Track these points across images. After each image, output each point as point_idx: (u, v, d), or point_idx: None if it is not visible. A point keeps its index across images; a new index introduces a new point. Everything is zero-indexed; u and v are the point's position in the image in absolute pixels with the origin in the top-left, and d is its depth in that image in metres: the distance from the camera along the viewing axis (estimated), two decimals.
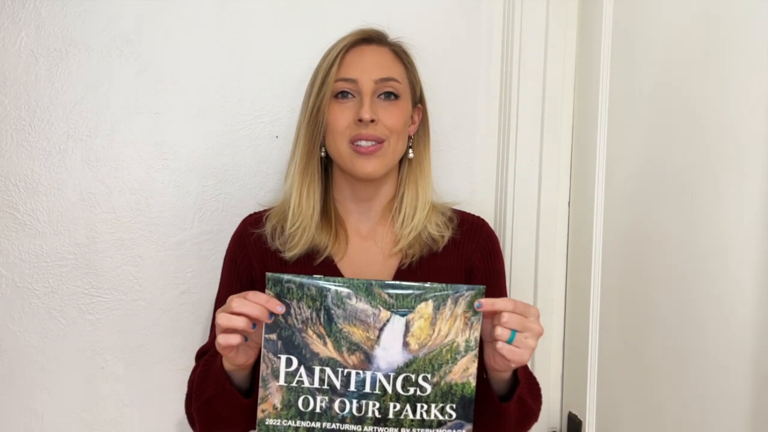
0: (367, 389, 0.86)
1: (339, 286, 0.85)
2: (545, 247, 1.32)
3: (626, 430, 1.11)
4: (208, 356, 0.98)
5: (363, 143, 1.01)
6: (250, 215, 1.13)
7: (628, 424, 1.10)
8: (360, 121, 1.00)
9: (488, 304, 0.84)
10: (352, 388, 0.86)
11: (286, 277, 0.85)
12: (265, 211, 1.12)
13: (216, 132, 1.29)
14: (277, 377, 0.86)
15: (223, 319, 0.85)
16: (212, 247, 1.28)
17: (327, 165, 1.10)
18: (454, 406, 0.86)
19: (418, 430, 0.86)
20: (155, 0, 1.25)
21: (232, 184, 1.29)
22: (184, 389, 1.06)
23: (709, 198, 0.90)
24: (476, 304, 0.84)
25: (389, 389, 0.86)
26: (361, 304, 0.85)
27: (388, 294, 0.85)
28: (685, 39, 0.97)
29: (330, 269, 1.05)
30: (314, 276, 0.85)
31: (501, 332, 0.84)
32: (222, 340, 0.85)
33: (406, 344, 0.85)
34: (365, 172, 1.02)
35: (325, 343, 0.85)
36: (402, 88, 1.05)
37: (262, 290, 1.03)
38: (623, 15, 1.14)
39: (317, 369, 0.86)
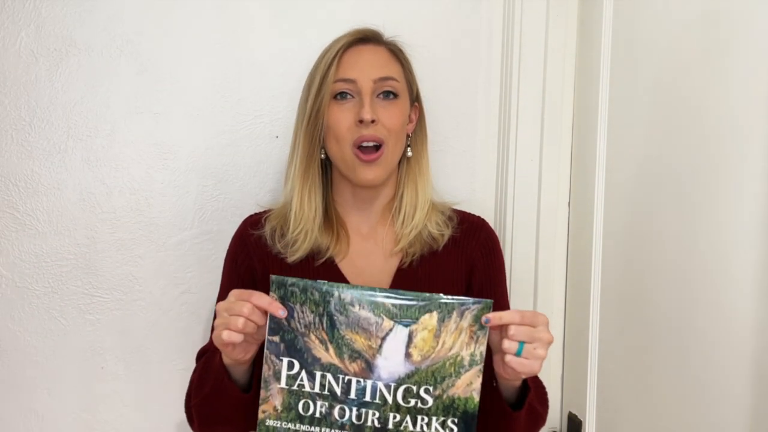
0: (368, 398, 0.85)
1: (343, 292, 0.84)
2: (545, 247, 1.32)
3: (626, 430, 1.11)
4: (208, 354, 0.98)
5: (365, 144, 1.01)
6: (250, 216, 1.13)
7: (628, 424, 1.10)
8: (361, 122, 1.00)
9: (495, 318, 0.83)
10: (353, 395, 0.85)
11: (290, 280, 0.85)
12: (264, 212, 1.12)
13: (216, 132, 1.28)
14: (278, 379, 0.86)
15: (224, 318, 0.85)
16: (212, 247, 1.28)
17: (326, 165, 1.10)
18: (455, 420, 0.85)
19: None
20: (155, 0, 1.25)
21: (232, 184, 1.29)
22: (184, 389, 1.07)
23: (709, 198, 0.90)
24: (483, 319, 0.83)
25: (389, 399, 0.85)
26: (364, 312, 0.84)
27: (392, 303, 0.84)
28: (685, 39, 0.97)
29: (331, 270, 1.05)
30: (318, 281, 0.85)
31: (509, 345, 0.84)
32: (224, 337, 0.85)
33: (408, 355, 0.84)
34: (367, 179, 1.02)
35: (326, 349, 0.85)
36: (400, 87, 1.05)
37: (264, 290, 1.03)
38: (623, 15, 1.14)
39: (318, 374, 0.85)
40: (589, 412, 1.21)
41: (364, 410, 0.85)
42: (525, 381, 0.93)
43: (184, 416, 1.07)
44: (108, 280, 1.27)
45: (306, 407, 0.86)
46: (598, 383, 1.20)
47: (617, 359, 1.14)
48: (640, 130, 1.08)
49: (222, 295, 1.10)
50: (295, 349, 0.85)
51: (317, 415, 0.86)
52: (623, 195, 1.13)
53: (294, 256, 1.04)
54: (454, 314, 0.84)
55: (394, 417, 0.85)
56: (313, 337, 0.85)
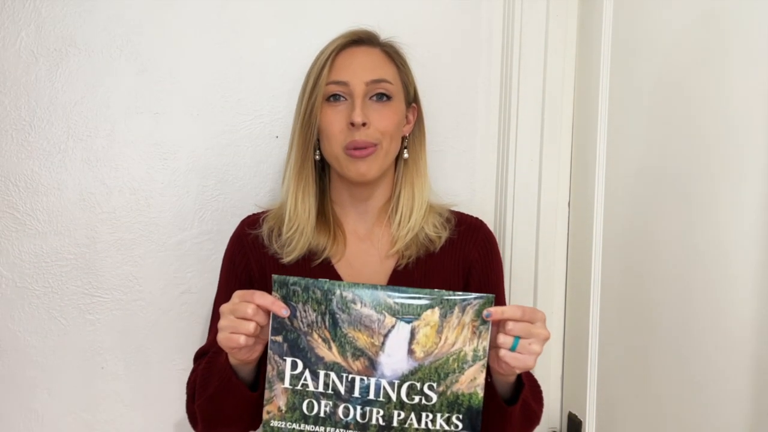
0: (371, 396, 0.85)
1: (344, 290, 0.84)
2: (545, 247, 1.32)
3: (626, 430, 1.11)
4: (210, 354, 0.98)
5: (357, 148, 1.00)
6: (248, 216, 1.13)
7: (628, 424, 1.10)
8: (352, 125, 1.00)
9: (497, 313, 0.83)
10: (356, 394, 0.85)
11: (292, 279, 0.85)
12: (262, 212, 1.12)
13: (216, 132, 1.29)
14: (282, 379, 0.86)
15: (230, 320, 0.85)
16: (212, 247, 1.28)
17: (324, 167, 1.10)
18: (460, 416, 0.85)
19: None
20: (155, 0, 1.25)
21: (232, 184, 1.29)
22: (184, 389, 1.06)
23: (709, 198, 0.90)
24: (485, 313, 0.83)
25: (393, 397, 0.85)
26: (366, 310, 0.84)
27: (394, 300, 0.84)
28: (685, 39, 0.97)
29: (327, 271, 1.05)
30: (320, 279, 0.85)
31: (504, 340, 0.84)
32: (230, 341, 0.85)
33: (411, 352, 0.84)
34: (359, 172, 1.02)
35: (329, 348, 0.85)
36: (394, 89, 1.05)
37: (262, 290, 1.03)
38: (623, 15, 1.14)
39: (322, 373, 0.85)
40: (589, 412, 1.21)
41: (368, 408, 0.85)
42: (520, 378, 0.93)
43: (184, 416, 1.07)
44: (108, 280, 1.27)
45: (310, 407, 0.86)
46: (598, 383, 1.20)
47: (617, 359, 1.14)
48: (640, 130, 1.08)
49: (220, 296, 1.10)
50: (298, 348, 0.85)
51: (321, 414, 0.86)
52: (623, 195, 1.13)
53: (290, 256, 1.04)
54: (456, 310, 0.84)
55: (399, 414, 0.85)
56: (315, 336, 0.85)
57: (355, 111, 1.00)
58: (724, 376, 0.87)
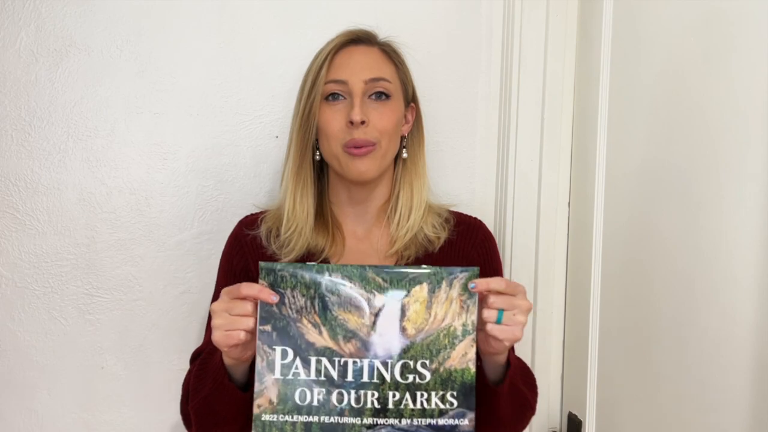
0: (365, 378, 0.85)
1: (333, 272, 0.84)
2: (545, 247, 1.32)
3: (626, 430, 1.11)
4: (205, 354, 0.98)
5: (355, 150, 1.00)
6: (246, 217, 1.13)
7: (628, 424, 1.10)
8: (351, 123, 1.00)
9: (482, 284, 0.85)
10: (350, 378, 0.85)
11: (279, 265, 0.84)
12: (260, 213, 1.12)
13: (216, 132, 1.29)
14: (272, 370, 0.85)
15: (225, 318, 0.85)
16: (212, 248, 1.28)
17: (322, 167, 1.10)
18: (454, 393, 0.85)
19: (419, 420, 0.85)
20: (155, 0, 1.25)
21: (232, 184, 1.29)
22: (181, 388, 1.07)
23: (709, 198, 0.90)
24: (470, 285, 0.84)
25: (387, 377, 0.85)
26: (355, 290, 0.84)
27: (383, 278, 0.84)
28: (686, 38, 0.97)
29: None
30: (308, 263, 0.85)
31: (488, 314, 0.85)
32: (229, 339, 0.84)
33: (402, 329, 0.84)
34: (358, 171, 1.01)
35: (320, 332, 0.84)
36: (393, 88, 1.05)
37: None
38: (623, 15, 1.14)
39: (313, 360, 0.85)
40: (589, 412, 1.21)
41: (362, 392, 0.85)
42: (509, 364, 0.93)
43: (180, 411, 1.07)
44: (108, 280, 1.27)
45: (302, 396, 0.85)
46: (598, 383, 1.20)
47: (617, 359, 1.14)
48: (640, 130, 1.08)
49: (217, 296, 1.10)
50: (287, 336, 0.84)
51: (315, 403, 0.85)
52: (623, 195, 1.13)
53: (288, 257, 1.04)
54: (444, 284, 0.84)
55: (394, 396, 0.85)
56: (305, 321, 0.84)
57: (354, 110, 1.00)
58: (724, 376, 0.87)
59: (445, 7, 1.33)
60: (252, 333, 0.85)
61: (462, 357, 0.85)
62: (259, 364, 0.85)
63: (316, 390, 0.85)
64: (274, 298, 0.84)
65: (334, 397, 0.85)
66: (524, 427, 1.03)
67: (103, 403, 1.28)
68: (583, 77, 1.28)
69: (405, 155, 1.09)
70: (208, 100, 1.28)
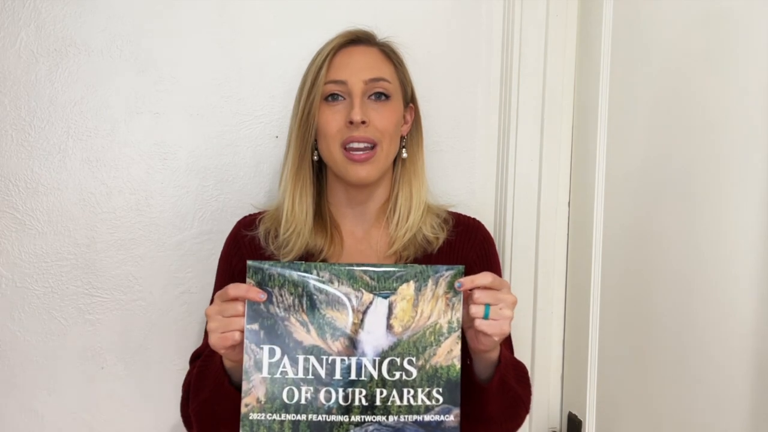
0: (353, 376, 0.85)
1: (321, 270, 0.85)
2: (545, 247, 1.32)
3: (626, 430, 1.11)
4: (204, 356, 0.98)
5: (355, 145, 1.00)
6: (244, 217, 1.13)
7: (628, 424, 1.10)
8: (351, 123, 1.00)
9: (467, 281, 0.86)
10: (338, 376, 0.85)
11: (266, 264, 0.85)
12: (259, 213, 1.12)
13: (216, 132, 1.29)
14: (260, 369, 0.85)
15: (219, 321, 0.85)
16: (212, 248, 1.28)
17: (321, 168, 1.10)
18: (440, 390, 0.86)
19: (406, 416, 0.86)
20: (155, 0, 1.25)
21: (232, 184, 1.29)
22: (181, 389, 1.07)
23: (709, 198, 0.90)
24: (456, 284, 0.85)
25: (375, 375, 0.85)
26: (343, 288, 0.85)
27: (370, 276, 0.85)
28: (686, 38, 0.97)
29: None
30: (295, 262, 0.86)
31: (476, 310, 0.86)
32: (225, 340, 0.85)
33: (389, 327, 0.85)
34: (359, 177, 1.01)
35: (308, 331, 0.85)
36: (392, 88, 1.05)
37: None
38: (623, 15, 1.14)
39: (301, 358, 0.85)
40: (589, 412, 1.21)
41: (350, 390, 0.85)
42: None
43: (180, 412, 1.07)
44: (108, 280, 1.27)
45: (290, 395, 0.85)
46: (598, 383, 1.20)
47: (617, 359, 1.14)
48: (640, 130, 1.08)
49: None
50: (275, 335, 0.85)
51: (303, 401, 0.85)
52: (623, 195, 1.13)
53: (287, 257, 1.04)
54: (430, 282, 0.85)
55: (381, 393, 0.85)
56: (293, 320, 0.85)
57: (354, 109, 1.00)
58: (724, 376, 0.87)
59: (444, 7, 1.33)
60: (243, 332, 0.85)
61: (447, 354, 0.86)
62: (247, 363, 0.85)
63: (303, 388, 0.85)
64: (261, 297, 0.84)
65: (321, 396, 0.85)
66: (518, 426, 1.03)
67: (103, 403, 1.28)
68: (583, 77, 1.28)
69: (404, 156, 1.09)
70: (208, 100, 1.28)
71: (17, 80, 1.23)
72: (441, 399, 0.86)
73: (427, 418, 0.86)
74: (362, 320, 0.85)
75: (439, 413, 0.86)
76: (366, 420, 0.85)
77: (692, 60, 0.95)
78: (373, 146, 1.01)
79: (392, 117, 1.03)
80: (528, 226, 1.32)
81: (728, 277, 0.86)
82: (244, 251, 1.07)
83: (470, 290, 0.87)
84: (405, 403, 0.86)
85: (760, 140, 0.81)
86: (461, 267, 0.86)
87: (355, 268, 0.85)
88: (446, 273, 0.86)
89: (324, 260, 1.05)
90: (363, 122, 1.00)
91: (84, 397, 1.27)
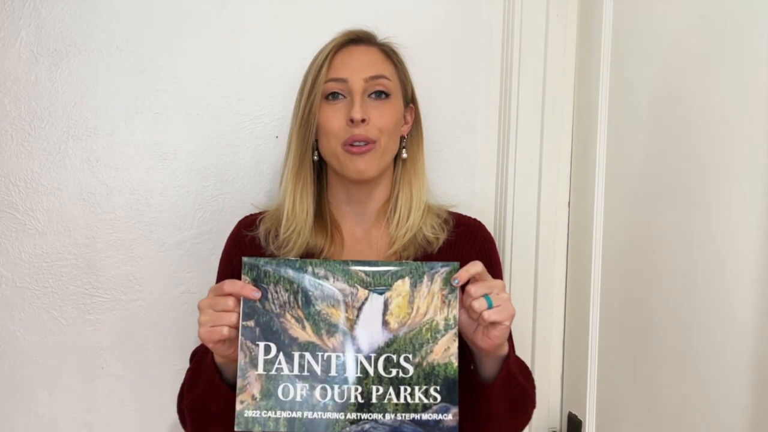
0: (349, 373, 0.85)
1: (316, 267, 0.85)
2: (545, 247, 1.32)
3: (626, 430, 1.11)
4: (199, 354, 0.99)
5: (355, 143, 1.00)
6: (245, 217, 1.13)
7: (628, 424, 1.10)
8: (351, 121, 1.00)
9: (464, 274, 0.86)
10: (333, 372, 0.85)
11: (262, 260, 0.85)
12: (259, 213, 1.12)
13: (216, 132, 1.29)
14: (255, 366, 0.84)
15: (209, 315, 0.85)
16: (212, 248, 1.28)
17: (321, 168, 1.10)
18: (438, 388, 0.85)
19: (403, 414, 0.85)
20: (155, 0, 1.25)
21: (232, 184, 1.29)
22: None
23: (709, 199, 0.90)
24: (453, 280, 0.85)
25: (371, 371, 0.85)
26: (338, 284, 0.85)
27: (365, 272, 0.85)
28: (686, 39, 0.97)
29: None
30: (290, 258, 0.85)
31: (478, 304, 0.85)
32: (213, 334, 0.85)
33: (385, 323, 0.85)
34: (357, 170, 1.01)
35: (303, 327, 0.85)
36: (392, 87, 1.05)
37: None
38: (623, 15, 1.14)
39: (296, 355, 0.85)
40: (589, 412, 1.21)
41: (346, 387, 0.85)
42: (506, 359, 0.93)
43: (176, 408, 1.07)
44: (108, 280, 1.27)
45: (286, 392, 0.84)
46: (598, 383, 1.20)
47: (617, 359, 1.14)
48: (640, 130, 1.08)
49: None
50: (270, 331, 0.84)
51: (298, 398, 0.84)
52: (623, 195, 1.13)
53: (287, 257, 1.04)
54: (425, 278, 0.85)
55: (377, 390, 0.85)
56: (288, 316, 0.85)
57: (354, 108, 1.00)
58: (724, 376, 0.87)
59: (445, 7, 1.33)
60: (236, 328, 0.85)
61: (444, 351, 0.85)
62: (242, 360, 0.85)
63: (299, 385, 0.85)
64: (256, 294, 0.84)
65: (317, 393, 0.85)
66: (527, 421, 1.02)
67: (103, 403, 1.28)
68: (583, 77, 1.28)
69: (404, 156, 1.09)
70: (208, 100, 1.28)
71: (17, 80, 1.23)
72: (439, 397, 0.85)
73: (425, 416, 0.85)
74: (357, 316, 0.85)
75: (437, 412, 0.85)
76: (362, 418, 0.84)
77: (692, 60, 0.95)
78: (372, 142, 1.01)
79: (392, 115, 1.04)
80: (528, 226, 1.32)
81: (728, 277, 0.86)
82: (244, 251, 1.08)
83: (464, 289, 0.86)
84: (402, 401, 0.85)
85: (760, 140, 0.81)
86: (456, 263, 0.86)
87: (350, 264, 0.86)
88: (441, 269, 0.85)
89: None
90: (363, 120, 1.00)
91: (84, 397, 1.27)
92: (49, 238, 1.25)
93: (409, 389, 0.85)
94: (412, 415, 0.85)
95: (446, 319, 0.86)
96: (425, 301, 0.85)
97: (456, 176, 1.35)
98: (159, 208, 1.28)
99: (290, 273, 0.84)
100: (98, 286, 1.27)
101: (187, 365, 1.10)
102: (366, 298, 0.85)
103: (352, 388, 0.85)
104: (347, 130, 1.01)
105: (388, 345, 0.85)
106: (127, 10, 1.25)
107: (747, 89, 0.84)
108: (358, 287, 0.85)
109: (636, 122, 1.09)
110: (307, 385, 0.85)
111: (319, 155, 1.07)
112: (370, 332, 0.85)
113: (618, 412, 1.14)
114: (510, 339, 1.07)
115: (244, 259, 0.85)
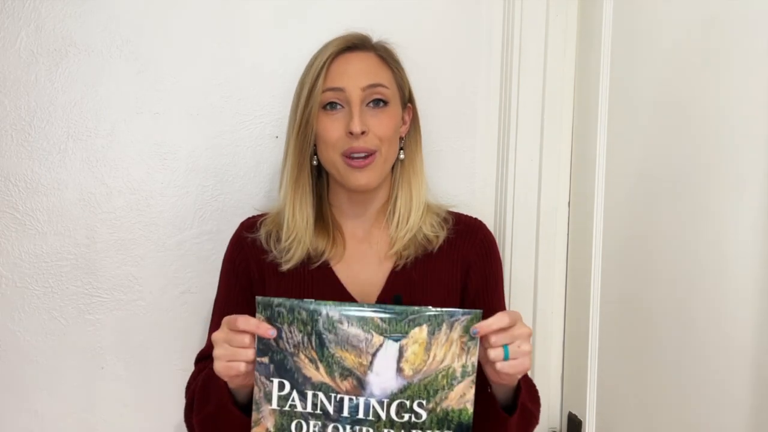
0: (361, 415, 0.84)
1: (330, 310, 0.83)
2: (545, 247, 1.32)
3: (626, 430, 1.11)
4: (208, 369, 0.98)
5: (355, 155, 1.00)
6: (247, 219, 1.13)
7: (628, 424, 1.10)
8: (351, 134, 0.99)
9: (484, 327, 0.83)
10: (346, 413, 0.84)
11: (276, 300, 0.83)
12: (260, 215, 1.12)
13: (216, 132, 1.28)
14: (269, 401, 0.84)
15: (225, 349, 0.85)
16: (212, 248, 1.28)
17: (321, 169, 1.10)
18: None
19: None
20: (155, 0, 1.25)
21: (232, 184, 1.29)
22: (184, 389, 1.07)
23: (709, 199, 0.90)
24: (472, 330, 0.82)
25: (383, 415, 0.84)
26: (353, 329, 0.83)
27: (381, 318, 0.83)
28: (686, 39, 0.97)
29: (326, 273, 1.05)
30: (305, 300, 0.84)
31: (495, 354, 0.84)
32: (229, 370, 0.85)
33: (399, 370, 0.83)
34: (359, 184, 1.01)
35: (317, 368, 0.84)
36: (390, 93, 1.04)
37: (261, 292, 1.02)
38: (623, 15, 1.14)
39: (310, 393, 0.84)
40: (589, 412, 1.21)
41: (357, 427, 0.84)
42: (518, 384, 0.93)
43: (183, 416, 1.07)
44: (108, 280, 1.27)
45: (299, 427, 0.85)
46: (598, 383, 1.20)
47: (617, 359, 1.14)
48: (640, 130, 1.08)
49: (220, 297, 1.10)
50: (285, 369, 0.84)
51: None
52: (623, 195, 1.13)
53: (288, 264, 1.04)
54: (444, 326, 0.82)
55: None
56: (302, 356, 0.84)
57: (354, 120, 0.99)
58: (723, 376, 0.87)
59: (444, 7, 1.33)
60: (252, 363, 0.85)
61: (460, 398, 0.83)
62: (257, 394, 0.85)
63: (312, 422, 0.84)
64: (271, 333, 0.83)
65: (329, 430, 0.84)
66: None
67: (103, 403, 1.28)
68: (583, 77, 1.27)
69: (402, 157, 1.09)
70: (208, 100, 1.28)
71: (17, 80, 1.23)
72: None
73: None
74: (371, 362, 0.83)
75: None
76: None
77: (692, 60, 0.95)
78: (372, 153, 1.01)
79: (391, 123, 1.03)
80: (528, 226, 1.32)
81: (728, 277, 0.86)
82: (246, 252, 1.08)
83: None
84: None
85: (760, 140, 0.81)
86: (479, 312, 0.83)
87: (366, 309, 0.83)
88: (462, 317, 0.82)
89: (325, 261, 1.05)
90: (363, 132, 0.99)
91: (84, 397, 1.27)
92: (49, 238, 1.25)
93: None
94: None
95: (464, 366, 0.83)
96: (443, 349, 0.83)
97: (456, 176, 1.35)
98: (159, 208, 1.28)
99: (304, 315, 0.83)
100: (98, 286, 1.27)
101: (187, 365, 1.10)
102: (381, 345, 0.83)
103: (364, 429, 0.84)
104: (346, 141, 1.00)
105: (402, 391, 0.84)
106: (127, 10, 1.25)
107: (747, 89, 0.84)
108: (373, 333, 0.83)
109: (636, 122, 1.09)
110: (320, 423, 0.84)
111: (318, 160, 1.07)
112: (383, 378, 0.83)
113: (618, 412, 1.14)
114: None
115: (258, 298, 0.84)
